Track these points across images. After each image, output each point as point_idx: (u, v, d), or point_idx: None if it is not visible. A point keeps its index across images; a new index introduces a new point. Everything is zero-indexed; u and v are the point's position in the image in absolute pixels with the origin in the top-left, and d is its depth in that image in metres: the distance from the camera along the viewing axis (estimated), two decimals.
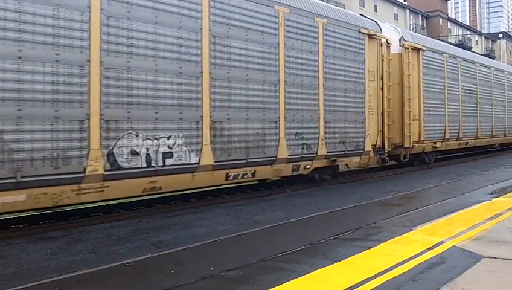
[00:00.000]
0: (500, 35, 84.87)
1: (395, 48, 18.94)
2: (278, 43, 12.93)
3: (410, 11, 62.43)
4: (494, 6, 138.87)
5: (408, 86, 19.22)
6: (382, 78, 17.25)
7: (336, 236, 7.83)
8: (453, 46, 32.45)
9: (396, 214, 9.57)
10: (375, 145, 16.75)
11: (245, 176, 12.11)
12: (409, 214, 9.65)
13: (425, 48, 20.73)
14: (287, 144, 13.02)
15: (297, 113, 13.49)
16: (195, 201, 11.83)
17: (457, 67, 23.78)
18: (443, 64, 22.39)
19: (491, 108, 27.39)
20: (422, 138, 19.99)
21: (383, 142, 17.21)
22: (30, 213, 10.10)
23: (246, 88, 11.98)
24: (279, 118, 12.90)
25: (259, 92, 12.35)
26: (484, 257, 6.38)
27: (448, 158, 24.59)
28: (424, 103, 20.34)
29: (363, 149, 15.97)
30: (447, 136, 22.13)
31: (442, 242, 7.18)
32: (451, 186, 14.09)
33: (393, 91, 18.38)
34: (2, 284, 5.83)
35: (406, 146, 19.02)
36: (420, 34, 43.63)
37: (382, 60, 17.28)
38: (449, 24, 70.88)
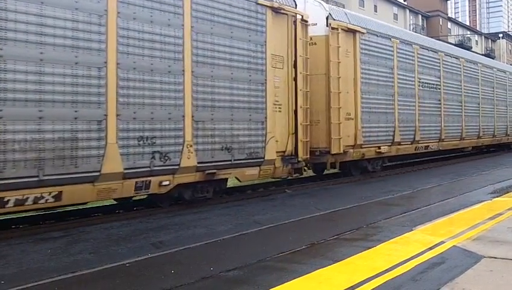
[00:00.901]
0: (500, 35, 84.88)
1: (320, 29, 15.24)
2: (106, 10, 9.25)
3: (410, 11, 62.41)
4: (494, 6, 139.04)
5: (337, 76, 15.22)
6: (295, 66, 13.41)
7: (336, 236, 7.83)
8: (411, 32, 29.46)
9: (397, 214, 9.56)
10: (284, 152, 12.99)
11: (39, 201, 8.30)
12: (409, 214, 9.64)
13: (364, 31, 16.53)
14: (121, 152, 9.37)
15: (141, 109, 9.79)
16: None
17: (413, 56, 19.55)
18: (392, 51, 18.10)
19: (461, 105, 23.29)
20: (359, 142, 16.02)
21: (296, 148, 13.34)
22: (30, 213, 10.09)
23: (40, 72, 8.34)
24: (105, 115, 9.16)
25: (69, 80, 8.66)
26: (484, 257, 6.38)
27: (447, 158, 24.49)
28: (362, 98, 16.25)
29: (263, 157, 12.21)
30: (397, 139, 17.97)
31: (443, 242, 7.18)
32: (452, 186, 14.09)
33: (318, 83, 15.01)
34: (2, 284, 5.82)
35: (333, 152, 15.08)
36: (420, 34, 43.64)
37: (295, 43, 13.41)
38: (449, 24, 70.86)
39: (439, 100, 21.30)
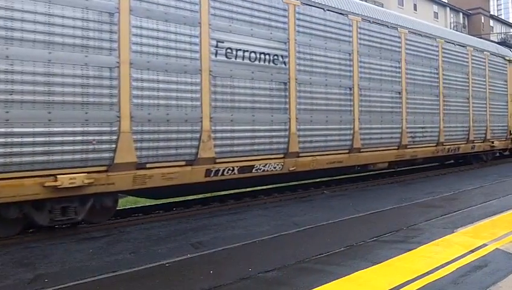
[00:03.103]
0: None
1: None
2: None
3: (450, 9, 61.27)
4: None
5: None
6: None
7: (375, 238, 7.76)
8: None
9: (438, 216, 9.42)
10: None
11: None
12: (450, 215, 9.48)
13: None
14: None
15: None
16: (233, 202, 11.87)
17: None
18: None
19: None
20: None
21: None
22: None
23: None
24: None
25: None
26: None
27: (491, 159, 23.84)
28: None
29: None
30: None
31: (485, 245, 7.04)
32: (494, 188, 13.77)
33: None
34: (46, 282, 5.97)
35: None
36: (461, 32, 42.77)
37: None
38: (491, 22, 69.29)
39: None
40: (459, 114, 18.43)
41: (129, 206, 11.25)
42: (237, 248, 7.43)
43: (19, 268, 6.60)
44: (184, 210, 10.95)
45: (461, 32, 46.36)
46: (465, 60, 18.97)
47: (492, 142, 20.78)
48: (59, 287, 5.74)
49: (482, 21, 65.53)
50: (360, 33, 13.85)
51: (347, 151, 13.51)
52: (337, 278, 5.68)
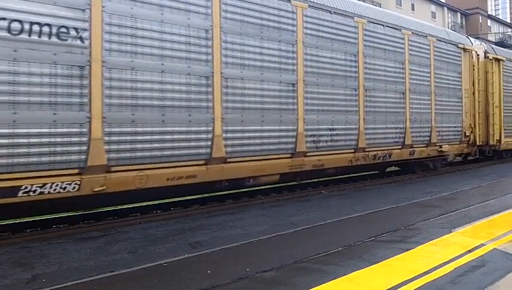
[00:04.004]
0: None
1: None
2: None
3: (448, 9, 61.33)
4: None
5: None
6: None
7: (373, 238, 7.76)
8: None
9: (435, 216, 9.42)
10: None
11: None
12: (448, 215, 9.49)
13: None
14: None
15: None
16: (231, 202, 11.87)
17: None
18: None
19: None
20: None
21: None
22: (70, 214, 10.32)
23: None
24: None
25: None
26: None
27: (487, 159, 23.73)
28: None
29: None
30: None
31: (483, 245, 7.04)
32: (492, 188, 13.80)
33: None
34: (43, 282, 5.96)
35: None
36: (459, 32, 42.81)
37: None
38: (489, 21, 69.36)
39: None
40: (390, 112, 15.08)
41: (126, 206, 11.22)
42: (235, 248, 7.43)
43: (17, 268, 6.59)
44: (182, 210, 10.94)
45: (459, 32, 46.37)
46: (399, 45, 15.56)
47: (440, 147, 17.33)
48: (57, 287, 5.73)
49: (480, 21, 65.61)
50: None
51: (203, 162, 10.23)
52: (335, 278, 5.68)
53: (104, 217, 10.19)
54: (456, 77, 18.43)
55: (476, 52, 19.80)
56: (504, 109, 22.05)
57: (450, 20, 61.17)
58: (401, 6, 50.27)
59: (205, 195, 12.36)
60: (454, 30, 49.19)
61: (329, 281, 5.59)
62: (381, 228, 8.43)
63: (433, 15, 57.49)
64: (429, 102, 16.94)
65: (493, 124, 20.96)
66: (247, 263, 6.54)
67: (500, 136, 21.56)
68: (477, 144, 19.68)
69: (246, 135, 10.91)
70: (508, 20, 77.52)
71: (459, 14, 63.77)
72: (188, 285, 5.70)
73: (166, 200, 11.59)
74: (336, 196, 12.81)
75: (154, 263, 6.59)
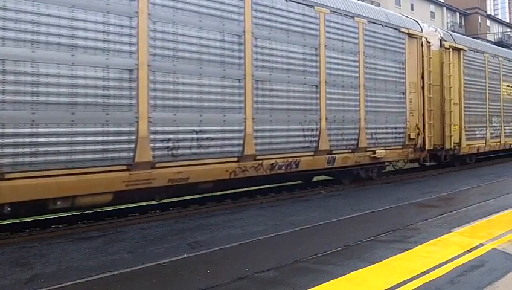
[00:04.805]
0: None
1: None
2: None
3: (447, 9, 61.36)
4: None
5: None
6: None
7: (372, 238, 7.77)
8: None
9: (434, 216, 9.43)
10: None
11: None
12: (447, 215, 9.50)
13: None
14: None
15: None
16: (230, 202, 11.87)
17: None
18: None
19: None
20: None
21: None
22: (70, 214, 10.32)
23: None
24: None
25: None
26: None
27: (487, 159, 23.66)
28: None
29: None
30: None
31: (482, 244, 7.05)
32: (491, 188, 13.80)
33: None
34: (42, 282, 5.96)
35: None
36: (458, 32, 42.80)
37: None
38: (488, 21, 69.39)
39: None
40: (296, 110, 12.03)
41: (125, 206, 11.22)
42: (234, 248, 7.43)
43: (16, 268, 6.58)
44: (181, 210, 10.94)
45: (458, 32, 46.45)
46: (311, 26, 12.49)
47: (374, 152, 14.25)
48: (56, 287, 5.73)
49: (479, 21, 65.65)
50: None
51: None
52: (334, 278, 5.68)
53: (103, 217, 10.19)
54: (397, 68, 15.22)
55: (427, 39, 16.77)
56: (465, 107, 19.07)
57: (449, 20, 61.21)
58: (400, 6, 50.30)
59: (204, 195, 12.36)
60: (453, 30, 49.28)
61: (328, 281, 5.60)
62: (380, 228, 8.43)
63: (432, 15, 57.53)
64: (357, 97, 13.76)
65: (450, 124, 17.96)
66: (246, 263, 6.54)
67: (460, 138, 18.67)
68: (427, 148, 16.55)
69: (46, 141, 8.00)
70: (507, 20, 77.58)
71: (458, 14, 63.80)
72: (187, 285, 5.70)
73: (166, 200, 11.58)
74: (335, 196, 12.81)
75: (153, 263, 6.59)
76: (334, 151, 13.05)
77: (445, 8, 60.85)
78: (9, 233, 8.79)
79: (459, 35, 21.19)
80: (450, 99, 18.00)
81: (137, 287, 5.70)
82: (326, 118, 12.75)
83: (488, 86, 20.87)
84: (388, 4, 45.48)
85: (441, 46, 18.00)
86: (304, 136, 12.25)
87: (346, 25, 13.47)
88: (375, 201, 11.64)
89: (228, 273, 6.03)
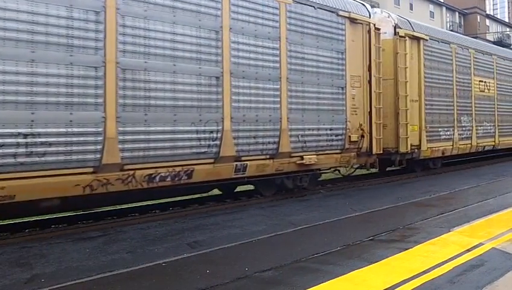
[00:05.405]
0: None
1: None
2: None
3: (446, 8, 61.38)
4: None
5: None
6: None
7: (371, 237, 7.77)
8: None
9: (434, 215, 9.43)
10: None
11: None
12: (446, 215, 9.50)
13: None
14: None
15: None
16: (230, 202, 11.86)
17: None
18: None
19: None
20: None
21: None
22: (69, 214, 10.32)
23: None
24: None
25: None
26: None
27: (485, 158, 23.38)
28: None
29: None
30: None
31: (481, 244, 7.05)
32: (490, 187, 13.80)
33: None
34: (42, 282, 5.96)
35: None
36: (457, 32, 42.79)
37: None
38: (487, 21, 69.40)
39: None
40: (184, 107, 9.62)
41: (125, 206, 11.22)
42: (234, 248, 7.43)
43: (16, 268, 6.59)
44: (181, 210, 10.94)
45: (457, 32, 46.49)
46: (209, 4, 10.10)
47: (301, 158, 11.86)
48: (56, 286, 5.73)
49: (478, 20, 65.67)
50: None
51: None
52: (334, 278, 5.69)
53: (103, 217, 10.19)
54: (334, 58, 12.87)
55: (375, 25, 14.27)
56: (427, 105, 16.76)
57: (448, 20, 61.22)
58: (399, 5, 50.30)
59: (204, 195, 12.36)
60: (452, 30, 49.31)
61: (328, 280, 5.60)
62: (380, 228, 8.44)
63: (432, 14, 57.53)
64: (277, 92, 11.36)
65: (406, 124, 15.65)
66: (245, 262, 6.54)
67: (420, 140, 16.37)
68: (375, 152, 14.07)
69: None
70: (506, 20, 77.58)
71: (457, 13, 63.81)
72: (187, 285, 5.70)
73: (165, 200, 11.60)
74: (335, 196, 12.80)
75: (153, 263, 6.59)
76: (244, 158, 10.67)
77: (444, 8, 60.87)
78: (9, 233, 8.79)
79: (420, 22, 18.24)
80: (406, 96, 15.69)
81: (137, 287, 5.70)
82: (231, 117, 10.36)
83: (456, 81, 18.42)
84: (387, 4, 45.48)
85: (395, 34, 15.76)
86: (199, 139, 9.85)
87: (262, 4, 11.13)
88: (375, 201, 11.65)
89: (228, 273, 6.03)
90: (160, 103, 9.26)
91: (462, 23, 64.65)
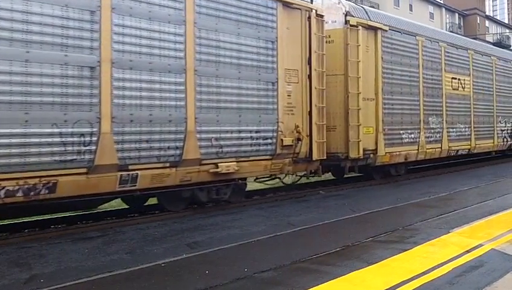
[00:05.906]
0: None
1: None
2: None
3: (446, 9, 61.36)
4: None
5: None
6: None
7: (371, 238, 7.77)
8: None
9: (433, 216, 9.43)
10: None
11: None
12: (446, 216, 9.50)
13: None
14: None
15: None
16: (230, 202, 11.84)
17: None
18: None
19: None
20: None
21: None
22: (69, 214, 10.31)
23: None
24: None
25: None
26: None
27: (487, 159, 23.02)
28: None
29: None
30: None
31: (481, 245, 7.05)
32: (490, 188, 13.80)
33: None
34: (41, 282, 5.95)
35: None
36: (457, 33, 42.79)
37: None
38: (487, 22, 69.40)
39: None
40: (39, 104, 7.69)
41: (125, 206, 11.21)
42: (233, 248, 7.43)
43: (15, 268, 6.58)
44: (180, 210, 10.91)
45: (457, 33, 46.49)
46: None
47: (216, 166, 10.14)
48: (55, 287, 5.72)
49: (478, 21, 65.66)
50: None
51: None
52: (333, 278, 5.68)
53: (102, 217, 10.20)
54: (262, 48, 11.07)
55: (317, 11, 12.39)
56: (385, 104, 14.77)
57: (448, 21, 61.22)
58: (399, 6, 50.30)
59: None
60: (452, 31, 49.31)
61: (327, 281, 5.59)
62: (379, 228, 8.43)
63: (431, 15, 57.54)
64: (181, 87, 9.57)
65: (358, 126, 13.68)
66: (245, 263, 6.54)
67: (376, 144, 14.45)
68: (316, 157, 12.25)
69: None
70: (506, 21, 77.62)
71: (457, 14, 63.79)
72: (186, 285, 5.70)
73: None
74: (334, 196, 12.80)
75: (153, 263, 6.59)
76: (132, 166, 8.85)
77: (444, 9, 60.85)
78: (9, 233, 8.78)
79: (378, 11, 16.24)
80: (358, 93, 13.71)
81: (136, 288, 5.69)
82: (112, 117, 8.52)
83: (423, 78, 16.37)
84: (387, 5, 45.50)
85: (346, 23, 13.74)
86: (64, 144, 7.97)
87: None
88: (374, 201, 11.64)
89: (227, 274, 6.03)
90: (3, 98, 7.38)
91: (462, 24, 64.65)
